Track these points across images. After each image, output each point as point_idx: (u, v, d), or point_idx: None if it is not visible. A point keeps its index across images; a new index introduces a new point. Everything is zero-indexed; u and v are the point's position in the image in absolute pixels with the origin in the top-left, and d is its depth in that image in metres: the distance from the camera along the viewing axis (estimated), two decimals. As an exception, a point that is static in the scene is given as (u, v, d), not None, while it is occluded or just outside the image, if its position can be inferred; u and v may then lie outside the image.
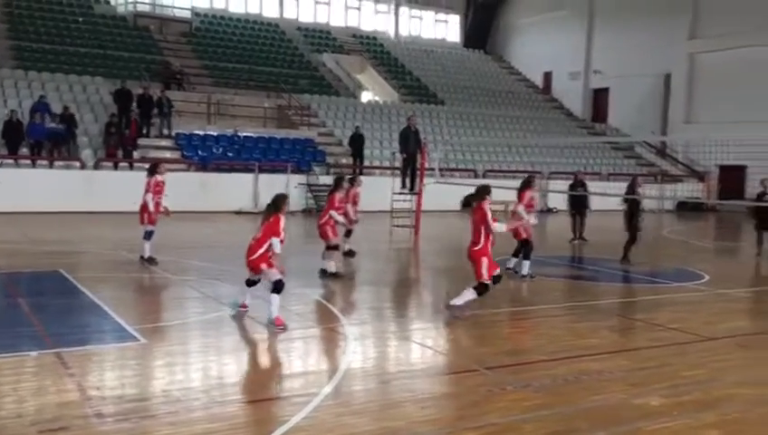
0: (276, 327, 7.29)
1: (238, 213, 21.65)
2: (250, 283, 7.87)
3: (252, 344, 7.18)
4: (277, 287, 7.36)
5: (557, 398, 5.42)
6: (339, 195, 11.18)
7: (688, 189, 29.23)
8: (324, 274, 10.58)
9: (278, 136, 25.77)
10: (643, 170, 30.58)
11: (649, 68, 34.40)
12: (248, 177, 22.59)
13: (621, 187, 23.19)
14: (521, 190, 11.32)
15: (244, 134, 25.07)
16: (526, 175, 12.76)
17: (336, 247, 10.77)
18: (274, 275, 7.43)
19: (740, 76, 30.30)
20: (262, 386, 5.90)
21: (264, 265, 7.47)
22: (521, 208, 11.05)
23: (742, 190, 26.86)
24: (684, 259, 14.37)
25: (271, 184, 22.39)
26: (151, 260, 11.22)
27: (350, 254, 12.49)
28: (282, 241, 7.50)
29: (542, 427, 4.81)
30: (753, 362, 6.82)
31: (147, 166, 12.63)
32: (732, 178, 28.50)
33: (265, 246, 7.45)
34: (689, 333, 7.71)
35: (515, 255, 11.30)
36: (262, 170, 22.74)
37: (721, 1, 31.67)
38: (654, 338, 7.53)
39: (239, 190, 22.27)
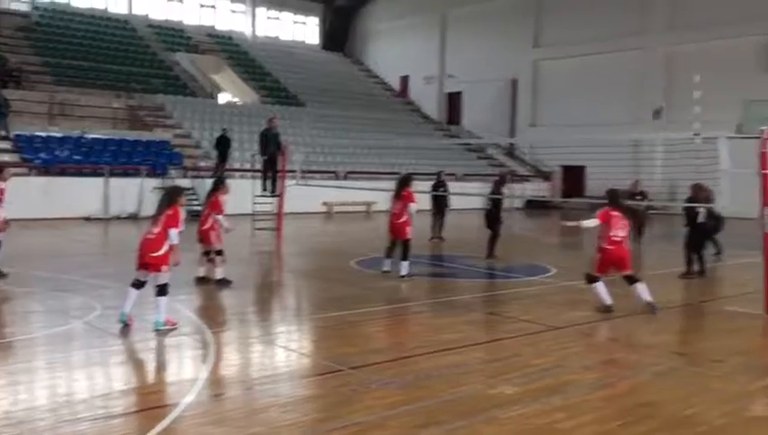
0: (167, 327, 7.30)
1: (87, 219, 20.43)
2: (139, 284, 7.50)
3: (105, 357, 6.79)
4: (163, 290, 7.28)
5: (419, 392, 5.58)
6: (224, 197, 10.49)
7: (535, 188, 31.11)
8: (201, 281, 10.21)
9: (130, 138, 24.59)
10: (495, 170, 32.12)
11: (498, 73, 36.23)
12: (98, 181, 21.36)
13: (476, 186, 24.27)
14: (403, 189, 11.43)
15: (93, 136, 23.69)
16: (403, 174, 12.90)
17: (221, 252, 10.29)
18: (164, 277, 7.32)
19: (580, 82, 32.67)
20: (117, 401, 5.60)
21: (164, 266, 7.31)
22: (414, 207, 11.28)
23: (582, 189, 28.94)
24: (534, 254, 15.25)
25: (123, 188, 21.36)
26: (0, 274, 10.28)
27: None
28: (179, 232, 7.37)
29: (406, 422, 4.93)
30: (594, 349, 7.37)
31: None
32: (574, 178, 30.62)
33: (167, 244, 7.27)
34: (538, 324, 8.21)
35: (388, 255, 11.42)
36: (113, 174, 21.59)
37: (561, 12, 33.97)
38: (507, 330, 7.94)
39: (88, 195, 21.01)
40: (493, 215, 14.26)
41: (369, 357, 6.64)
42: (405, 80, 41.73)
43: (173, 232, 7.30)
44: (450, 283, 11.83)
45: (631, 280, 8.82)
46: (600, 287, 8.76)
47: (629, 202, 15.38)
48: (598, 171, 20.84)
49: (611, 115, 30.63)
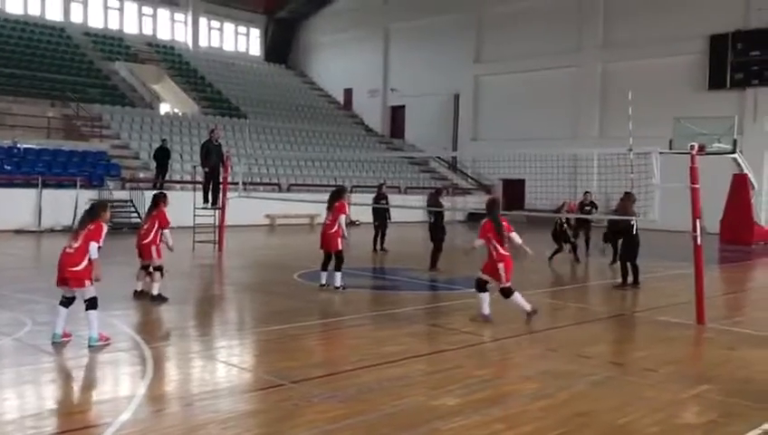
0: (101, 342, 7.16)
1: (19, 232, 19.71)
2: (67, 302, 7.31)
3: (36, 375, 6.53)
4: (93, 304, 7.14)
5: (361, 406, 5.57)
6: (165, 210, 10.21)
7: (477, 201, 31.53)
8: (140, 295, 10.00)
9: (65, 148, 23.88)
10: (438, 183, 32.47)
11: (441, 87, 36.68)
12: (30, 192, 20.64)
13: (419, 199, 24.49)
14: (336, 200, 11.40)
15: (25, 146, 22.91)
16: (335, 187, 12.81)
17: (160, 268, 9.99)
18: (90, 291, 7.17)
19: (520, 97, 33.35)
20: (49, 420, 5.40)
21: (87, 281, 7.14)
22: (343, 219, 11.30)
23: (522, 201, 29.49)
24: (476, 266, 15.37)
25: (57, 199, 20.70)
26: None
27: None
28: (99, 247, 7.23)
29: (348, 436, 4.92)
30: (533, 359, 7.51)
31: None
32: (514, 191, 31.18)
33: (86, 258, 7.12)
34: (479, 335, 8.31)
35: (324, 268, 11.45)
36: (46, 185, 20.91)
37: (501, 28, 34.66)
38: (450, 342, 8.02)
39: (19, 207, 20.28)
40: (435, 227, 14.42)
41: (311, 371, 6.60)
42: (348, 93, 41.84)
43: (93, 246, 7.16)
44: (392, 295, 11.86)
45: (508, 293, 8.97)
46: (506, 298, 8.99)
47: (580, 214, 16.02)
48: (537, 185, 21.27)
49: (550, 130, 31.38)
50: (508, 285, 8.88)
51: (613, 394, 6.10)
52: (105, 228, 7.40)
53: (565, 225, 16.11)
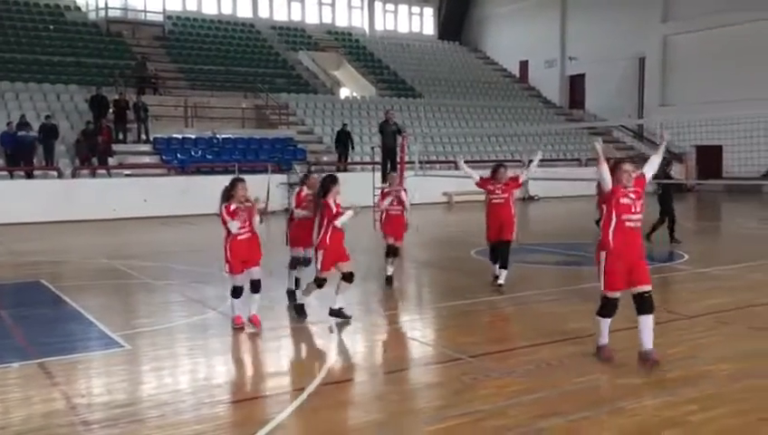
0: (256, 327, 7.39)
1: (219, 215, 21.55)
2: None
3: (238, 344, 7.16)
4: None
5: (541, 382, 5.48)
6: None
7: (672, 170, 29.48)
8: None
9: (257, 136, 25.68)
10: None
11: (623, 52, 34.62)
12: (229, 178, 22.44)
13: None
14: (506, 177, 9.82)
15: (223, 136, 24.96)
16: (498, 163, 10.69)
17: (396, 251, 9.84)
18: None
19: (716, 56, 30.58)
20: (250, 385, 5.92)
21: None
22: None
23: (719, 169, 27.17)
24: (667, 239, 14.43)
25: (252, 184, 22.31)
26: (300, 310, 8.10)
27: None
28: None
29: (526, 412, 4.87)
30: (732, 338, 6.93)
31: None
32: (709, 158, 28.82)
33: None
34: (670, 313, 7.82)
35: (495, 260, 9.65)
36: (242, 171, 22.64)
37: (691, -17, 31.94)
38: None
39: (218, 193, 22.11)
40: (664, 198, 13.78)
41: (490, 346, 6.61)
42: (524, 65, 40.83)
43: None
44: (575, 270, 11.51)
45: None
46: None
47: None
48: (737, 151, 19.47)
49: (752, 90, 28.42)
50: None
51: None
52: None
53: None
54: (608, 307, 5.98)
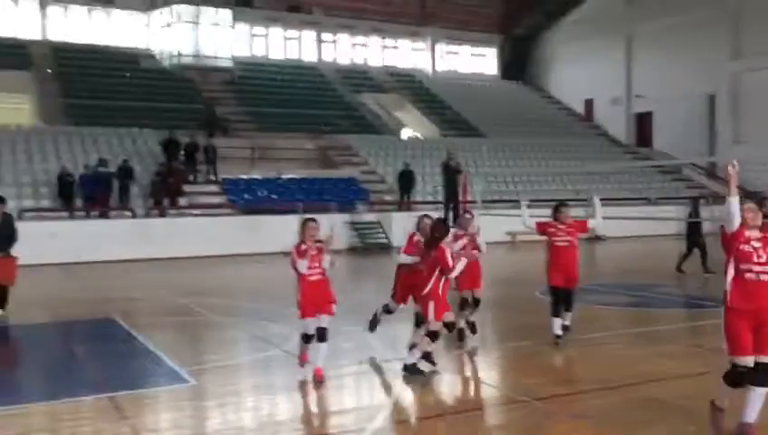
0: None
1: (286, 254, 21.88)
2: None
3: (300, 382, 7.16)
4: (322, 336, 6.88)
5: (610, 427, 5.29)
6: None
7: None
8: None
9: (321, 177, 26.12)
10: (694, 193, 29.94)
11: (692, 90, 33.84)
12: (293, 218, 22.87)
13: (671, 210, 22.81)
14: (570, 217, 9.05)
15: (288, 176, 25.49)
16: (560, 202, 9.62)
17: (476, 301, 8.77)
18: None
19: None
20: (313, 423, 5.92)
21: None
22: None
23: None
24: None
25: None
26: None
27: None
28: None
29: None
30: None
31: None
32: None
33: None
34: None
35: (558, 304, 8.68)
36: (306, 211, 23.02)
37: (761, 19, 31.15)
38: (712, 364, 7.28)
39: (284, 232, 22.45)
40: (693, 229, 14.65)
41: (556, 388, 6.43)
42: (589, 103, 40.40)
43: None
44: (643, 312, 11.14)
45: None
46: None
47: None
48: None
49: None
50: None
51: None
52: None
53: None
54: (732, 375, 4.95)
